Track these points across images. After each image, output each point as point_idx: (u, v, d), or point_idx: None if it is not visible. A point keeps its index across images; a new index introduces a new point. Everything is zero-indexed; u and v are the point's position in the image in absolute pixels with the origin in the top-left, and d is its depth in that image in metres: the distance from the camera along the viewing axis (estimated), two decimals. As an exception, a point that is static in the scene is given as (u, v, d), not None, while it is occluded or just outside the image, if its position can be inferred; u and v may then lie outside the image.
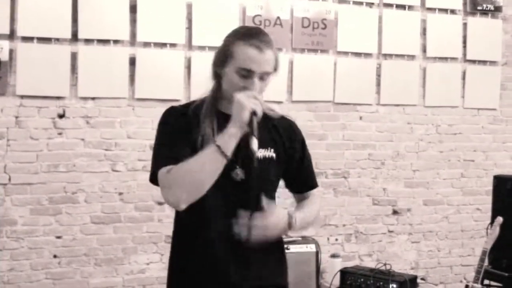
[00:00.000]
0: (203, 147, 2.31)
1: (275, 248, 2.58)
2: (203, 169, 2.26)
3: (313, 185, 2.68)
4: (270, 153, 2.50)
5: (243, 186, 2.38)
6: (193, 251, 2.46)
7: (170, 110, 2.53)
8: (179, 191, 2.27)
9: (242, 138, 2.31)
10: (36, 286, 4.62)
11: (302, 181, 2.65)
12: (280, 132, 2.56)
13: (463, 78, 5.66)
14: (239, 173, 2.39)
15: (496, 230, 4.17)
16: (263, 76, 2.38)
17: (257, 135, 2.28)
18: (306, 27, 5.17)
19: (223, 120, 2.36)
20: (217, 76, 2.46)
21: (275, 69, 2.44)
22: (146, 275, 4.85)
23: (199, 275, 2.47)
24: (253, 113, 2.28)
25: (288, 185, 2.68)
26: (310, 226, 2.63)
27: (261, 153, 2.44)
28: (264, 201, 2.34)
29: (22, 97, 4.55)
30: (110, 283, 4.77)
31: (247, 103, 2.26)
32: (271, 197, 2.51)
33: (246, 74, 2.35)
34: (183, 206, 2.31)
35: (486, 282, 4.44)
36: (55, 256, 4.66)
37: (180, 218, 2.53)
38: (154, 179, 2.42)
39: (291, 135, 2.60)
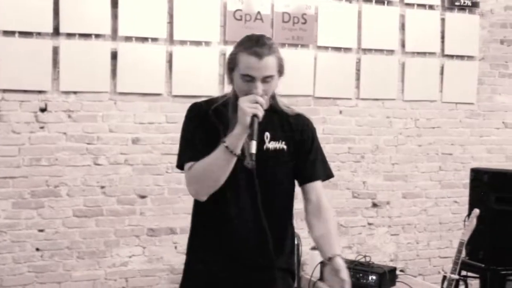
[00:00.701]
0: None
1: (289, 238, 2.91)
2: (217, 167, 2.58)
3: (319, 175, 2.89)
4: (281, 145, 2.75)
5: (255, 174, 2.66)
6: (213, 232, 2.75)
7: (194, 108, 2.81)
8: (199, 186, 2.64)
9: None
10: (19, 279, 4.64)
11: (311, 171, 2.85)
12: (293, 127, 2.81)
13: (441, 72, 5.74)
14: (250, 162, 2.57)
15: (473, 222, 4.25)
16: (266, 79, 2.61)
17: (257, 138, 2.54)
18: (286, 22, 5.22)
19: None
20: (231, 80, 2.72)
21: (280, 71, 2.69)
22: (128, 268, 4.89)
23: (220, 252, 2.73)
24: (255, 116, 2.53)
25: (296, 176, 2.86)
26: None
27: (272, 145, 2.73)
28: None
29: (4, 91, 4.56)
30: (92, 276, 4.80)
31: (248, 108, 2.52)
32: (285, 187, 2.82)
33: (249, 79, 2.60)
34: (203, 198, 2.66)
35: (463, 273, 4.52)
36: (37, 250, 4.68)
37: (201, 204, 2.73)
38: (179, 167, 2.76)
39: (303, 130, 2.85)
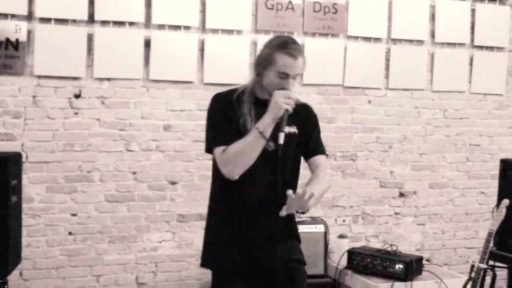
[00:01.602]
0: (243, 128, 2.99)
1: (294, 226, 3.32)
2: (250, 149, 2.94)
3: (320, 151, 3.26)
4: (293, 129, 3.14)
5: (274, 154, 3.00)
6: (234, 204, 3.09)
7: (218, 98, 3.14)
8: (234, 167, 2.97)
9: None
10: (52, 262, 4.74)
11: (312, 149, 3.23)
12: (300, 114, 3.17)
13: (470, 63, 5.75)
14: (271, 145, 2.99)
15: (503, 212, 4.27)
16: (295, 77, 3.03)
17: (285, 130, 2.97)
18: (317, 12, 5.24)
19: (259, 105, 3.05)
20: (259, 74, 3.05)
21: (304, 68, 3.11)
22: (158, 253, 4.97)
23: (238, 223, 3.09)
24: (286, 110, 2.94)
25: (303, 154, 3.24)
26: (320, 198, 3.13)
27: (287, 129, 3.06)
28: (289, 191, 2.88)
29: (39, 77, 4.65)
30: (123, 260, 4.89)
31: (283, 103, 2.92)
32: (296, 163, 3.20)
33: (284, 76, 2.98)
34: (236, 177, 2.98)
35: (491, 263, 4.53)
36: (70, 233, 4.77)
37: (224, 183, 3.05)
38: (209, 151, 3.10)
39: (308, 116, 3.28)
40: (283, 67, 2.96)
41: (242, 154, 2.94)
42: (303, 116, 3.21)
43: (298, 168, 3.23)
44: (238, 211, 3.09)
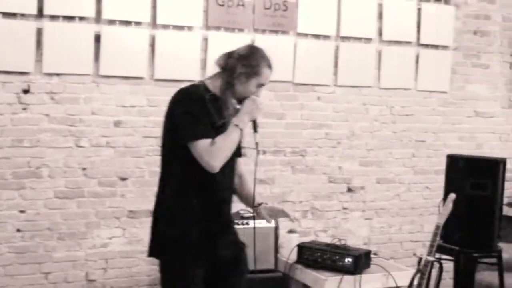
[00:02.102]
0: (220, 126, 3.26)
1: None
2: (234, 145, 3.26)
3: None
4: None
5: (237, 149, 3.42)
6: (200, 192, 3.31)
7: (195, 91, 3.32)
8: (220, 160, 3.21)
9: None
10: (0, 260, 4.66)
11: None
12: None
13: (416, 61, 5.87)
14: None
15: (449, 206, 4.38)
16: None
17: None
18: (267, 9, 5.28)
19: (217, 101, 3.33)
20: (237, 77, 3.30)
21: None
22: (108, 249, 4.94)
23: (204, 211, 3.32)
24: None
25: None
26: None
27: None
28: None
29: (-13, 71, 4.57)
30: (73, 257, 4.85)
31: (257, 113, 3.33)
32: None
33: (260, 86, 3.37)
34: (218, 169, 3.22)
35: (437, 255, 4.65)
36: (18, 230, 4.70)
37: (192, 172, 3.26)
38: (188, 141, 3.22)
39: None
40: (264, 80, 3.36)
41: (228, 149, 3.23)
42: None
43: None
44: (206, 201, 3.32)
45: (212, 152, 3.17)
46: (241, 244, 3.61)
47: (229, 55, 3.38)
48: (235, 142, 3.26)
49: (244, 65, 3.29)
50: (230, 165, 3.37)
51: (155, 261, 3.81)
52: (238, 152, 3.46)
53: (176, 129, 3.26)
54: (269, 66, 3.37)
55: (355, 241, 5.58)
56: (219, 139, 3.20)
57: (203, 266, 3.33)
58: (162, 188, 3.39)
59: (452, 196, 4.40)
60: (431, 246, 4.38)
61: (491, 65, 6.21)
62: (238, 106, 3.34)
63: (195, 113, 3.23)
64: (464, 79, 6.10)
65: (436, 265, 4.82)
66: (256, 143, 3.39)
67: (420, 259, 4.43)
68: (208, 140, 3.19)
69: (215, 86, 3.34)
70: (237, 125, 3.23)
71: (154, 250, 3.38)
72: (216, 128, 3.25)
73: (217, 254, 3.36)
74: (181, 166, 3.30)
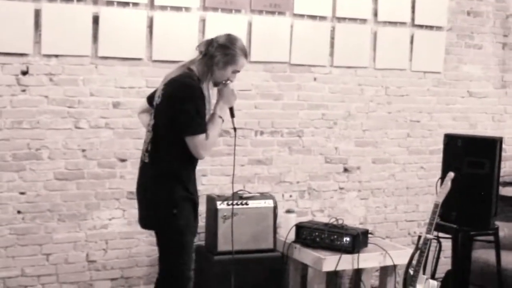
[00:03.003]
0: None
1: None
2: (218, 133, 3.82)
3: None
4: None
5: None
6: (191, 169, 3.85)
7: (197, 88, 3.68)
8: (210, 151, 3.88)
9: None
10: (0, 242, 4.66)
11: None
12: None
13: (411, 42, 5.90)
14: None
15: (448, 184, 4.44)
16: None
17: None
18: (264, -11, 5.30)
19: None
20: (216, 63, 3.73)
21: None
22: (108, 230, 4.96)
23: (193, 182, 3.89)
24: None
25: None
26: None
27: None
28: None
29: (-15, 53, 4.55)
30: (73, 238, 4.86)
31: (232, 101, 3.85)
32: None
33: (236, 72, 3.82)
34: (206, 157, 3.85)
35: (435, 233, 4.70)
36: (19, 212, 4.71)
37: (185, 153, 3.72)
38: (194, 135, 3.65)
39: None
40: (240, 67, 3.80)
41: (216, 139, 3.84)
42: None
43: None
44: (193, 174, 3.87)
45: (206, 146, 3.67)
46: None
47: (209, 43, 3.78)
48: (219, 131, 3.81)
49: (223, 53, 3.72)
50: None
51: (155, 241, 3.91)
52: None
53: (178, 121, 3.64)
54: (245, 55, 3.84)
55: (351, 221, 5.63)
56: (211, 133, 3.67)
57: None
58: (158, 164, 3.79)
59: (451, 174, 4.45)
60: (430, 224, 4.45)
61: (484, 45, 6.25)
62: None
63: (199, 109, 3.64)
64: (457, 60, 6.15)
65: (434, 243, 4.89)
66: (234, 128, 3.89)
67: (419, 237, 4.49)
68: (204, 135, 3.65)
69: (198, 71, 3.75)
70: (220, 117, 3.76)
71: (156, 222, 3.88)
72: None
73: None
74: (180, 151, 3.70)
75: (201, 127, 3.65)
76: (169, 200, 3.70)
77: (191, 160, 3.77)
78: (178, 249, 3.77)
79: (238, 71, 3.83)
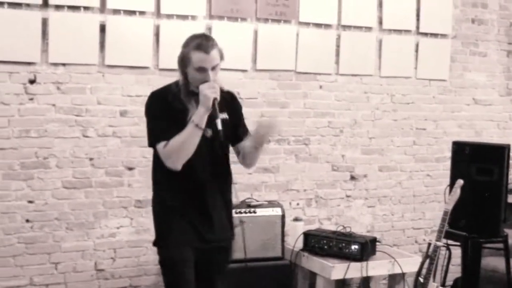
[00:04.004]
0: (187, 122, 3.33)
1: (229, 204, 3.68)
2: (189, 141, 3.31)
3: (247, 137, 3.63)
4: (224, 115, 3.51)
5: (212, 139, 3.45)
6: (180, 188, 3.45)
7: (154, 96, 3.53)
8: (176, 159, 3.33)
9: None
10: (9, 250, 4.66)
11: (242, 132, 3.64)
12: (228, 101, 3.59)
13: (416, 50, 5.91)
14: (208, 131, 3.41)
15: (457, 192, 4.43)
16: (214, 68, 3.38)
17: (219, 116, 3.34)
18: (270, -2, 5.31)
19: (196, 96, 3.36)
20: (183, 72, 3.44)
21: (222, 58, 3.45)
22: (116, 239, 4.95)
23: (186, 207, 3.46)
24: (214, 98, 3.31)
25: (232, 138, 3.63)
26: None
27: (221, 115, 3.40)
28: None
29: (-7, 62, 4.56)
30: (81, 247, 4.85)
31: (210, 94, 3.29)
32: (228, 147, 3.62)
33: (202, 70, 3.36)
34: (179, 168, 3.35)
35: (443, 241, 4.69)
36: (27, 221, 4.70)
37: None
38: (152, 146, 3.47)
39: (236, 103, 3.71)
40: (198, 63, 3.34)
41: (182, 147, 3.31)
42: (229, 103, 3.59)
43: (228, 153, 3.63)
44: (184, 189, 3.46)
45: (165, 153, 3.34)
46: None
47: None
48: (191, 139, 3.31)
49: (179, 59, 3.44)
50: (205, 156, 3.45)
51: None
52: (221, 146, 3.52)
53: None
54: (198, 47, 3.35)
55: (358, 229, 5.62)
56: (173, 139, 3.31)
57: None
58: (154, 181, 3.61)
59: (460, 182, 4.45)
60: (440, 231, 4.44)
61: (489, 53, 6.26)
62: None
63: (155, 116, 3.43)
64: (462, 67, 6.16)
65: (443, 251, 4.87)
66: (219, 130, 3.34)
67: (429, 244, 4.47)
68: (163, 143, 3.34)
69: (180, 81, 3.51)
70: (193, 121, 3.30)
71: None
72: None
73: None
74: (159, 165, 3.46)
75: (156, 137, 3.40)
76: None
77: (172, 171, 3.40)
78: None
79: (204, 67, 3.34)
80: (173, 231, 3.45)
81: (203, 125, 3.31)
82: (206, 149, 3.43)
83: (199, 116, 3.30)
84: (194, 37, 3.42)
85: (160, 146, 3.36)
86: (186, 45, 3.41)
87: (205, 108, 3.29)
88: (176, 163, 3.33)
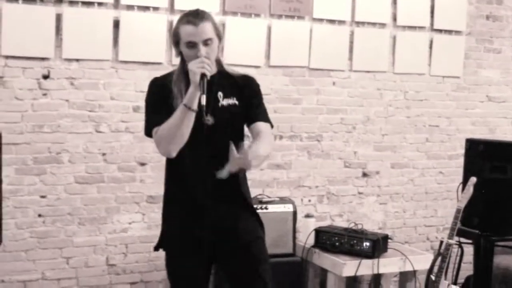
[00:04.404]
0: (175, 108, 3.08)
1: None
2: (179, 123, 3.04)
3: (262, 119, 3.32)
4: (233, 100, 3.27)
5: (214, 127, 3.20)
6: (181, 179, 3.26)
7: (154, 82, 3.33)
8: (167, 145, 3.10)
9: (210, 94, 3.08)
10: (21, 245, 4.69)
11: (253, 115, 3.31)
12: (240, 85, 3.31)
13: (430, 46, 5.88)
14: (209, 119, 3.17)
15: (470, 189, 4.40)
16: (206, 42, 3.11)
17: (206, 93, 3.00)
18: (284, -6, 5.30)
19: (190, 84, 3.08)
20: (180, 53, 3.22)
21: (218, 35, 3.19)
22: (128, 234, 4.96)
23: (185, 197, 3.28)
24: (203, 75, 3.00)
25: (245, 120, 3.33)
26: (263, 159, 3.20)
27: (226, 101, 3.25)
28: (232, 146, 2.96)
29: (7, 57, 4.56)
30: (93, 242, 4.87)
31: (196, 69, 3.00)
32: (239, 134, 3.32)
33: (192, 45, 3.10)
34: (173, 154, 3.12)
35: (456, 239, 4.67)
36: (39, 215, 4.72)
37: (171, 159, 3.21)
38: (148, 135, 3.24)
39: (250, 85, 3.37)
40: (187, 37, 3.10)
41: (173, 130, 3.05)
42: (243, 86, 3.32)
43: (242, 140, 3.29)
44: (182, 191, 3.29)
45: (156, 139, 3.14)
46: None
47: None
48: (182, 122, 3.03)
49: (172, 36, 3.23)
50: (204, 146, 3.19)
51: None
52: (213, 130, 3.20)
53: None
54: (186, 21, 3.12)
55: (370, 226, 5.61)
56: (163, 124, 3.07)
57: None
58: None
59: (473, 179, 4.42)
60: (452, 229, 4.41)
61: (503, 49, 6.22)
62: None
63: (151, 103, 3.24)
64: (476, 64, 6.12)
65: (454, 249, 4.85)
66: (201, 106, 3.00)
67: (441, 242, 4.46)
68: (156, 129, 3.12)
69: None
70: (185, 105, 3.03)
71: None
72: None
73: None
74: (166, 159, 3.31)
75: (149, 124, 3.19)
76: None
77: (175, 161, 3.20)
78: None
79: (192, 42, 3.08)
80: (171, 227, 3.41)
81: (193, 105, 3.02)
82: (208, 138, 3.19)
83: (189, 96, 3.03)
84: (185, 13, 3.21)
85: (153, 133, 3.15)
86: (177, 22, 3.20)
87: (194, 85, 3.01)
88: (167, 148, 3.10)
